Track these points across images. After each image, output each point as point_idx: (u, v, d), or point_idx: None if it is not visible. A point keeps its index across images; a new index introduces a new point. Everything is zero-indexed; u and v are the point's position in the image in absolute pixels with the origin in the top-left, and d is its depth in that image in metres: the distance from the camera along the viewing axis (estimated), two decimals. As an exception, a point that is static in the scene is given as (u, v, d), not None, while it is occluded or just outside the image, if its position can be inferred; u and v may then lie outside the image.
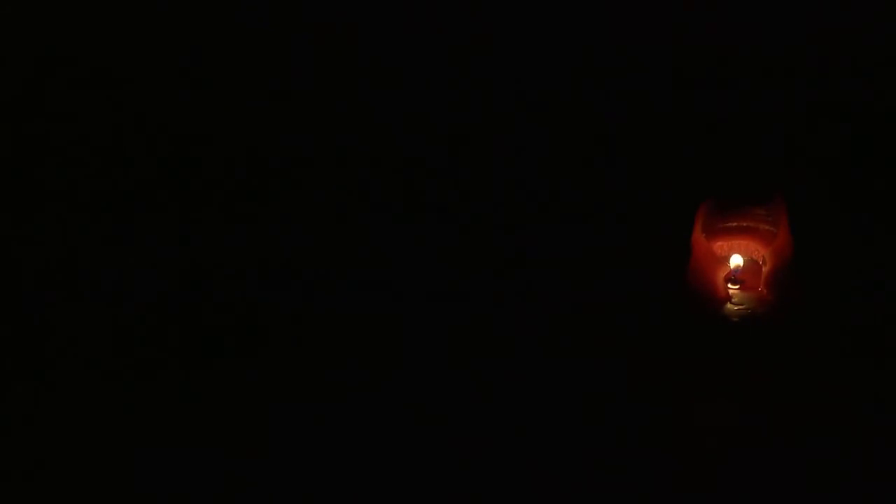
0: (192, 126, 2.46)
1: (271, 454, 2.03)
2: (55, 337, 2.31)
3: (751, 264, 2.49)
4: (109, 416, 2.14)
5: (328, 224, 2.43)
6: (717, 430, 2.11)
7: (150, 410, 2.16)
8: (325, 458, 2.01)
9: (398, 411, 2.13)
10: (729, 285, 2.44)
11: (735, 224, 2.47)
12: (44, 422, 2.14)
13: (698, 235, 2.40)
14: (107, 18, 2.47)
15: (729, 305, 2.37)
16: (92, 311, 2.34)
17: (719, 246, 2.50)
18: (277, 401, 2.18)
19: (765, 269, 2.44)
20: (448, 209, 2.42)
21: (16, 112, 2.46)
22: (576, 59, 2.46)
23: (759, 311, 2.34)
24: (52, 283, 2.36)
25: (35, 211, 2.42)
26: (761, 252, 2.48)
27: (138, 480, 1.97)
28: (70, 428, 2.12)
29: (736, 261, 2.48)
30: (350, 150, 2.47)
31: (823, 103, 2.38)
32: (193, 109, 2.47)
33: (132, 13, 2.47)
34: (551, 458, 1.99)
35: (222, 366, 2.27)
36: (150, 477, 1.98)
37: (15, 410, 2.17)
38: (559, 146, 2.44)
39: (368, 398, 2.17)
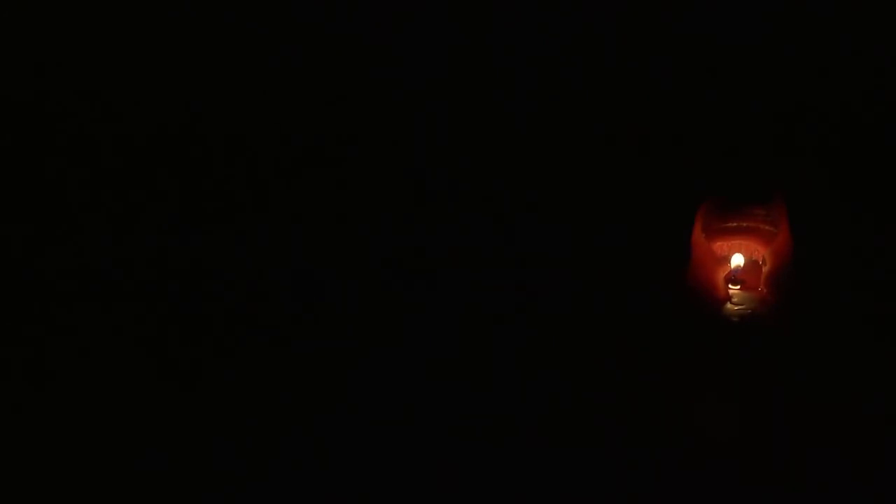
0: (191, 125, 2.46)
1: (269, 455, 2.03)
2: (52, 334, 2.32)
3: (751, 264, 2.49)
4: (108, 416, 2.15)
5: (327, 223, 2.43)
6: (717, 430, 2.11)
7: (148, 409, 2.16)
8: (324, 459, 2.02)
9: (397, 412, 2.13)
10: (729, 285, 2.44)
11: (735, 224, 2.48)
12: (40, 420, 2.14)
13: (698, 235, 2.40)
14: (106, 18, 2.47)
15: (729, 305, 2.37)
16: (91, 308, 2.34)
17: (719, 246, 2.50)
18: (274, 402, 2.19)
19: (765, 269, 2.44)
20: (448, 209, 2.42)
21: (15, 111, 2.46)
22: (577, 59, 2.46)
23: (759, 311, 2.34)
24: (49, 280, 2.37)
25: (34, 210, 2.43)
26: (761, 252, 2.48)
27: (136, 480, 1.98)
28: (69, 427, 2.12)
29: (736, 261, 2.48)
30: (350, 150, 2.47)
31: (823, 103, 2.38)
32: (192, 109, 2.47)
33: (132, 13, 2.47)
34: (549, 458, 1.99)
35: (219, 364, 2.28)
36: (148, 477, 1.99)
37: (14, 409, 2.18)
38: (559, 146, 2.44)
39: (368, 398, 2.17)
